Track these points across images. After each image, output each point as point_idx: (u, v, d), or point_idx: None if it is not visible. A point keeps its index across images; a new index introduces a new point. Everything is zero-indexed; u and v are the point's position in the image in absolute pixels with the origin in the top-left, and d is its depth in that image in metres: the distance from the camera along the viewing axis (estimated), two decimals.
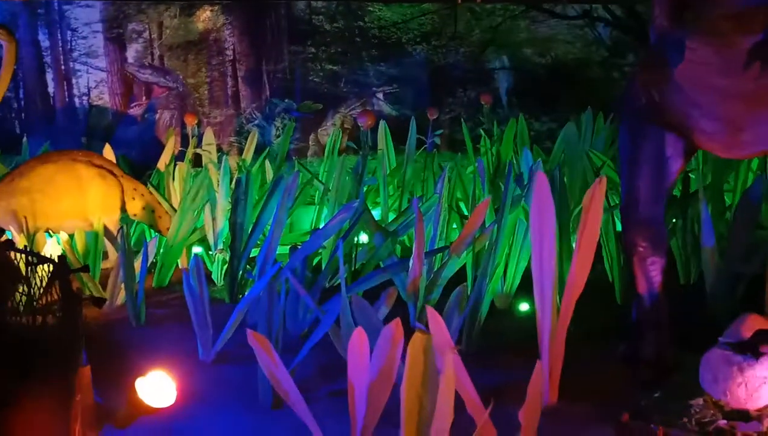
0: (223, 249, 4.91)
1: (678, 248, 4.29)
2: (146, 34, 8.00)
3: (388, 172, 5.80)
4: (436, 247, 3.79)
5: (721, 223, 4.34)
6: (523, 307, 3.79)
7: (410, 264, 3.40)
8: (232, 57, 8.23)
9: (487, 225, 3.57)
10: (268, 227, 4.21)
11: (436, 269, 3.68)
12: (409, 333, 2.71)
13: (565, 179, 4.41)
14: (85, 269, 2.98)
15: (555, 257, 2.28)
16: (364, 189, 4.63)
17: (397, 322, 1.88)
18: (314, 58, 8.28)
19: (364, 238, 4.61)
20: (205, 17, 8.20)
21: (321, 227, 5.07)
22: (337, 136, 6.56)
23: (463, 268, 3.95)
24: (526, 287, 4.01)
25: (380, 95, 8.46)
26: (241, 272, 4.47)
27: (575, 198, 4.63)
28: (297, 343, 3.34)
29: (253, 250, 4.58)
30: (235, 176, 5.44)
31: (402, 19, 8.40)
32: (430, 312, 1.93)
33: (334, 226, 3.93)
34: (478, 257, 3.84)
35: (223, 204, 5.00)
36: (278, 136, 7.91)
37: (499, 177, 5.07)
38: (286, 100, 8.01)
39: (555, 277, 2.32)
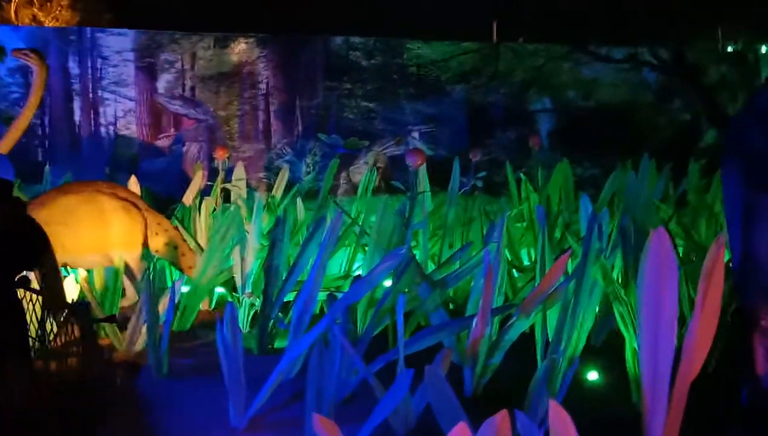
0: (252, 293, 4.56)
1: None
2: (178, 65, 7.84)
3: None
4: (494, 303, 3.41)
5: None
6: (591, 375, 3.37)
7: (473, 323, 3.02)
8: (265, 91, 8.03)
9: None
10: (306, 273, 3.86)
11: (496, 328, 3.29)
12: (465, 404, 2.33)
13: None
14: (111, 319, 2.66)
15: (675, 333, 1.91)
16: (411, 234, 4.28)
17: (504, 415, 1.51)
18: (350, 94, 8.08)
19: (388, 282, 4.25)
20: (239, 49, 8.03)
21: (357, 272, 4.71)
22: (371, 176, 6.25)
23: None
24: (589, 351, 3.61)
25: (416, 134, 8.20)
26: (272, 321, 4.11)
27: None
28: (341, 408, 2.95)
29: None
30: (265, 214, 5.12)
31: (442, 58, 8.20)
32: (555, 409, 1.55)
33: (379, 273, 3.56)
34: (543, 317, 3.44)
35: (254, 244, 4.67)
36: (308, 173, 7.65)
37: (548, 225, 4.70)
38: (333, 136, 7.77)
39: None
